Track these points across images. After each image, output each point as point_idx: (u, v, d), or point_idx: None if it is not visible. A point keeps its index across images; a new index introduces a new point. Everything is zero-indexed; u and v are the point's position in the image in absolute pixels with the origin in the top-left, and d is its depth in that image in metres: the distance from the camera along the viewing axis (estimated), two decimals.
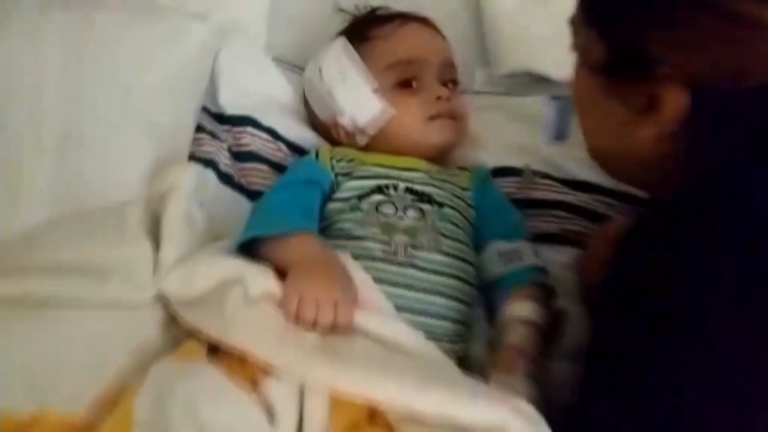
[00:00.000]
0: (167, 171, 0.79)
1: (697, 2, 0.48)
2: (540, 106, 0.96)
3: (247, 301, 0.64)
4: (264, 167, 0.89)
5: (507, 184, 0.89)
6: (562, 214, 0.87)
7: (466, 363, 0.73)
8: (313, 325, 0.62)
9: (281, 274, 0.66)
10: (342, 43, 0.88)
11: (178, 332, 0.68)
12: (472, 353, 0.76)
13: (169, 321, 0.69)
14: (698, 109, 0.49)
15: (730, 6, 0.47)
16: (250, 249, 0.70)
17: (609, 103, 0.54)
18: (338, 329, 0.62)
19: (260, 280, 0.65)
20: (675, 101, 0.49)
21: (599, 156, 0.62)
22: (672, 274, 0.48)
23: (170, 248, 0.69)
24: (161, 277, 0.67)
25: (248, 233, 0.69)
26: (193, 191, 0.77)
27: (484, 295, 0.79)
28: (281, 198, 0.76)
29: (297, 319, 0.62)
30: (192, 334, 0.65)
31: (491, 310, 0.78)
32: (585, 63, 0.58)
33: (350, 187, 0.79)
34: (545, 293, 0.77)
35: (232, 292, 0.64)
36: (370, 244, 0.72)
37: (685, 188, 0.51)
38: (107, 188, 0.78)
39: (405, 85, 0.85)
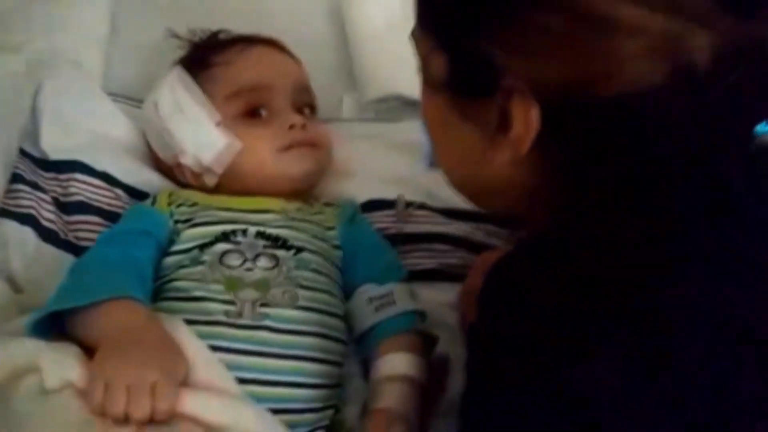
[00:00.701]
0: None
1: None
2: (413, 131, 0.88)
3: (43, 393, 0.50)
4: (96, 219, 0.75)
5: (380, 219, 0.80)
6: (441, 246, 0.78)
7: (338, 429, 0.63)
8: (125, 418, 0.49)
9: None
10: (178, 72, 0.76)
11: None
12: (347, 417, 0.65)
13: None
14: (549, 125, 0.40)
15: (579, 4, 0.38)
16: (63, 322, 0.57)
17: (460, 125, 0.46)
18: (159, 419, 0.50)
19: (59, 364, 0.51)
20: (524, 116, 0.40)
21: (459, 186, 0.53)
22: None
23: None
24: None
25: (49, 306, 0.55)
26: None
27: (359, 348, 0.69)
28: (102, 256, 0.63)
29: (104, 411, 0.49)
30: None
31: (367, 366, 0.68)
32: (427, 80, 0.48)
33: (191, 235, 0.67)
34: (424, 341, 0.67)
35: (23, 384, 0.51)
36: (211, 305, 0.60)
37: (549, 226, 0.43)
38: None
39: (252, 114, 0.75)
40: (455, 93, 0.45)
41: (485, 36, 0.41)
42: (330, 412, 0.62)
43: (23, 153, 0.79)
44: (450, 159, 0.51)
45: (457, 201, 0.81)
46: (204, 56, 0.77)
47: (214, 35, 0.81)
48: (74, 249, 0.74)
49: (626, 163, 0.42)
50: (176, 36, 0.81)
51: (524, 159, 0.43)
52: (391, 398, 0.60)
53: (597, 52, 0.38)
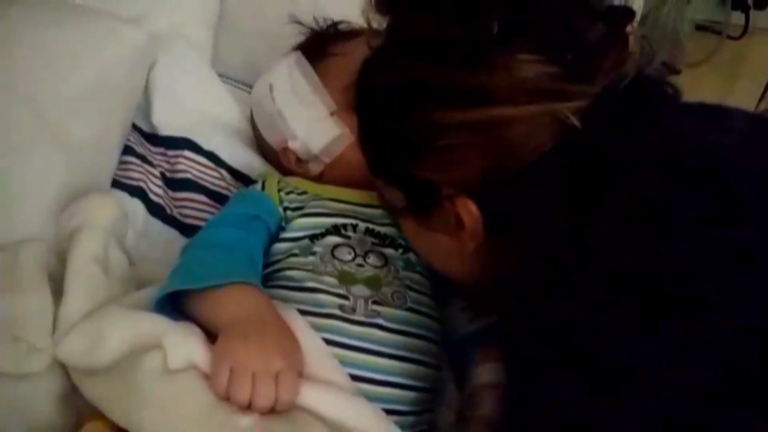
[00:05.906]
0: (80, 202, 0.63)
1: (433, 127, 0.47)
2: None
3: (166, 373, 0.49)
4: (201, 197, 0.75)
5: None
6: None
7: None
8: (249, 405, 0.47)
9: (214, 336, 0.52)
10: (297, 57, 0.74)
11: (80, 405, 0.53)
12: (440, 422, 0.63)
13: (69, 392, 0.54)
14: (486, 212, 0.49)
15: (470, 121, 0.46)
16: (178, 300, 0.56)
17: (432, 234, 0.54)
18: (281, 409, 0.48)
19: (184, 345, 0.50)
20: (467, 213, 0.49)
21: (459, 279, 0.60)
22: None
23: (73, 302, 0.54)
24: (58, 340, 0.52)
25: (172, 285, 0.54)
26: (110, 228, 0.62)
27: (451, 354, 0.66)
28: (217, 238, 0.61)
29: (228, 397, 0.48)
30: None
31: (459, 372, 0.65)
32: (396, 211, 0.59)
33: (301, 225, 0.65)
34: None
35: (146, 361, 0.49)
36: (325, 298, 0.58)
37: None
38: (7, 222, 0.62)
39: None
40: (417, 213, 0.55)
41: (416, 167, 0.51)
42: (429, 415, 0.60)
43: (135, 127, 0.78)
44: (441, 261, 0.59)
45: None
46: (324, 45, 0.74)
47: (335, 25, 0.78)
48: (179, 225, 0.73)
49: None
50: (298, 22, 0.79)
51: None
52: (491, 408, 0.58)
53: (496, 144, 0.46)
